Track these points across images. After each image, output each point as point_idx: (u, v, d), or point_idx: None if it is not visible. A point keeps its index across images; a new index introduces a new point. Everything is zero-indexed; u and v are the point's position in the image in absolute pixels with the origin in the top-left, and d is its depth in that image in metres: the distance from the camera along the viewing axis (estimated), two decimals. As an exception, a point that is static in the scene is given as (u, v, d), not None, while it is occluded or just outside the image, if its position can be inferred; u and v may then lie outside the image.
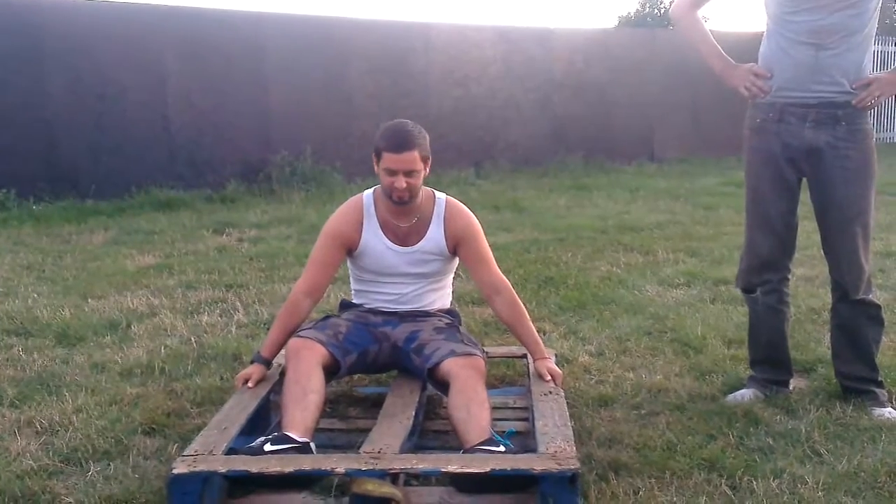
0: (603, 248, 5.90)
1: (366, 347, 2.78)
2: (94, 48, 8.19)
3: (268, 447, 2.24)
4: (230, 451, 2.26)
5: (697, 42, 3.02)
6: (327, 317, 2.91)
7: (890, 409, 2.92)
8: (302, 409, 2.41)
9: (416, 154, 2.67)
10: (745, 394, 3.06)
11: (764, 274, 3.02)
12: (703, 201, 8.15)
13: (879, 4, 2.79)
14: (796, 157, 2.87)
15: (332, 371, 2.66)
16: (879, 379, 3.01)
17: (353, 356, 2.72)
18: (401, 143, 2.67)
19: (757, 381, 3.10)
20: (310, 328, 2.76)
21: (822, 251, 3.03)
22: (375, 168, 2.77)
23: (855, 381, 3.00)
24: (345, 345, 2.72)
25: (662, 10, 23.77)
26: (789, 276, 3.10)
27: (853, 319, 2.98)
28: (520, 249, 5.86)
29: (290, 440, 2.28)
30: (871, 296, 2.96)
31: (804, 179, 2.94)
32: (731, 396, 3.06)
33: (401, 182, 2.68)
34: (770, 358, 3.12)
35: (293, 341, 2.67)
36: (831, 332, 3.10)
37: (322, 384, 2.53)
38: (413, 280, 2.89)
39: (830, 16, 2.72)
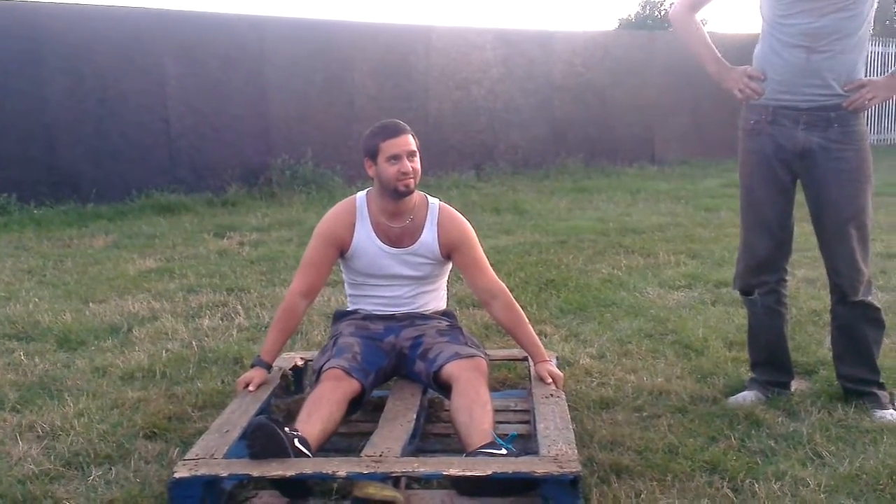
0: (604, 250, 5.90)
1: (380, 365, 2.77)
2: (94, 52, 8.21)
3: (297, 443, 2.22)
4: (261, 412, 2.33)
5: (694, 44, 3.02)
6: (335, 339, 2.84)
7: (892, 410, 2.92)
8: (322, 429, 2.39)
9: (411, 137, 2.78)
10: (747, 396, 3.05)
11: (761, 275, 3.02)
12: (704, 203, 8.14)
13: (874, 7, 2.78)
14: (789, 158, 2.87)
15: (356, 399, 2.61)
16: (881, 381, 3.01)
17: (371, 377, 2.70)
18: (396, 128, 2.78)
19: (758, 383, 3.10)
20: (334, 356, 2.69)
21: (816, 253, 3.02)
22: (371, 171, 2.78)
23: (856, 383, 3.00)
24: (364, 366, 2.69)
25: (662, 13, 23.81)
26: (787, 278, 3.09)
27: (852, 321, 2.98)
28: (520, 252, 5.86)
29: (311, 449, 2.26)
30: (870, 297, 2.96)
31: (798, 181, 2.94)
32: (732, 399, 3.05)
33: (406, 165, 2.73)
34: (770, 360, 3.11)
35: (334, 371, 2.60)
36: (831, 333, 3.10)
37: (343, 418, 2.52)
38: (406, 282, 2.89)
39: (822, 18, 2.72)
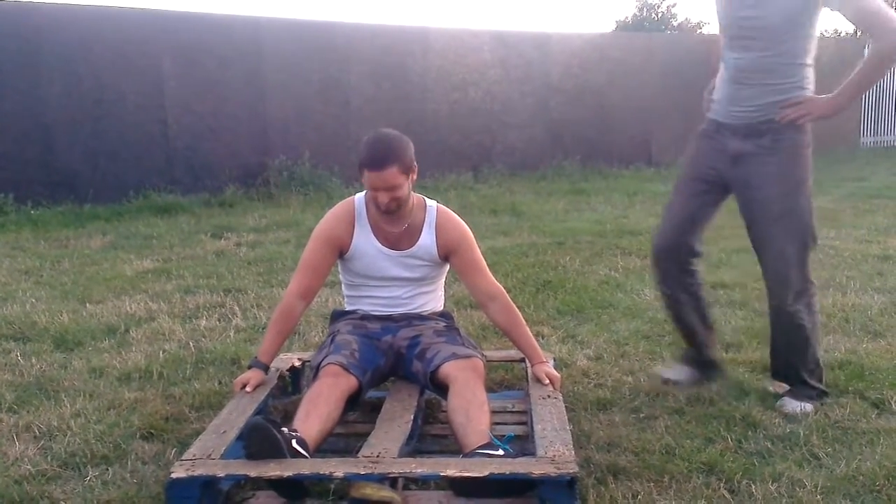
0: (601, 251, 5.90)
1: (377, 364, 2.77)
2: (91, 53, 8.20)
3: (294, 444, 2.22)
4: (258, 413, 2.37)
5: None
6: (333, 336, 2.86)
7: (803, 403, 2.96)
8: (320, 429, 2.39)
9: (395, 170, 2.63)
10: (683, 371, 3.24)
11: (666, 263, 3.13)
12: (700, 205, 8.14)
13: (807, 46, 2.85)
14: (723, 164, 2.99)
15: (353, 397, 2.61)
16: (806, 380, 3.03)
17: (368, 375, 2.70)
18: (379, 160, 2.63)
19: (688, 359, 3.29)
20: (331, 352, 2.70)
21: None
22: (362, 178, 2.76)
23: (783, 377, 3.10)
24: (361, 363, 2.69)
25: (659, 15, 23.83)
26: (695, 272, 3.16)
27: (776, 324, 3.04)
28: (518, 253, 5.87)
29: (308, 450, 2.26)
30: (799, 308, 2.95)
31: (732, 195, 3.04)
32: (665, 371, 3.26)
33: (383, 197, 2.68)
34: (689, 348, 3.27)
35: (332, 367, 2.60)
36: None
37: (340, 416, 2.52)
38: (403, 284, 2.89)
39: (747, 56, 2.87)
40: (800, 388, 3.04)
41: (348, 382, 2.58)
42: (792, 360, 3.04)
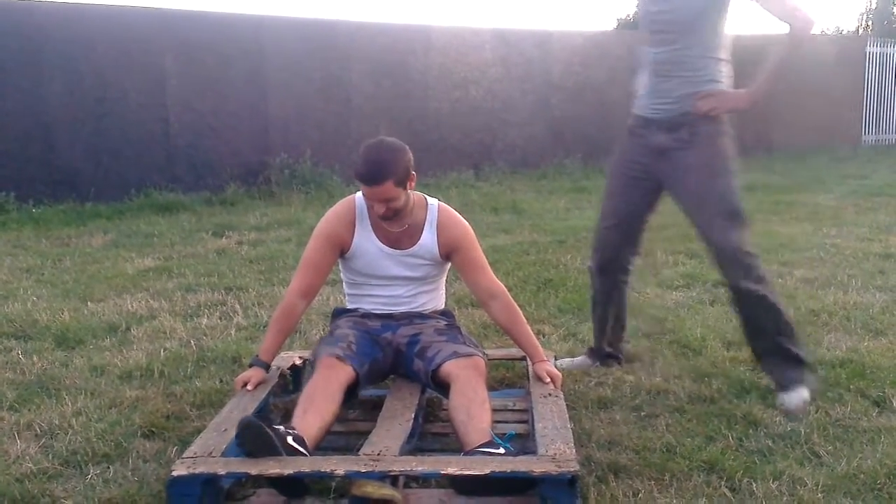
0: (602, 250, 5.89)
1: (374, 357, 2.77)
2: (93, 51, 8.20)
3: (290, 440, 2.22)
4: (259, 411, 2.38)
5: None
6: (333, 331, 2.88)
7: (792, 394, 2.97)
8: (319, 425, 2.39)
9: (389, 185, 2.62)
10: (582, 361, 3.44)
11: (603, 259, 3.32)
12: (702, 203, 8.13)
13: (718, 40, 2.97)
14: (650, 158, 3.10)
15: (350, 388, 2.62)
16: (785, 345, 3.05)
17: (366, 366, 2.71)
18: (372, 176, 2.61)
19: (592, 352, 3.48)
20: (328, 344, 2.72)
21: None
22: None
23: (762, 363, 3.14)
24: (359, 355, 2.70)
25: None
26: (630, 268, 3.36)
27: (739, 305, 3.09)
28: (519, 251, 5.87)
29: (306, 447, 2.26)
30: (751, 284, 3.00)
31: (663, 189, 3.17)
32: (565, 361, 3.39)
33: (379, 208, 2.69)
34: (600, 330, 3.43)
35: (327, 359, 2.61)
36: None
37: (339, 408, 2.53)
38: (404, 283, 2.89)
39: (662, 50, 3.01)
40: (783, 366, 3.04)
41: (345, 373, 2.58)
42: (766, 330, 3.06)
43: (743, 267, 2.99)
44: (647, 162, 3.12)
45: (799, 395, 2.96)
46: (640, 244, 3.35)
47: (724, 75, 3.00)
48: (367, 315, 2.91)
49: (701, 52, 2.96)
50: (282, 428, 2.25)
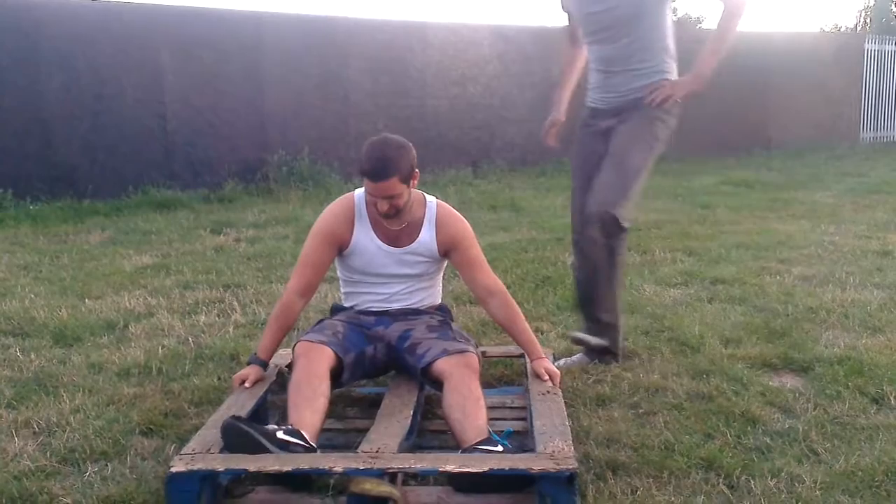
0: (600, 247, 5.88)
1: (362, 349, 2.78)
2: (90, 47, 8.18)
3: (280, 434, 2.23)
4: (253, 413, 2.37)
5: None
6: (322, 320, 2.90)
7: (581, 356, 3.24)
8: (312, 412, 2.41)
9: (394, 180, 2.63)
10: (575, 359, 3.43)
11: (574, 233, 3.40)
12: (700, 200, 8.14)
13: (663, 32, 3.13)
14: (600, 147, 3.26)
15: (336, 375, 2.64)
16: (601, 318, 3.27)
17: (351, 355, 2.72)
18: (378, 171, 2.62)
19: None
20: (311, 332, 2.75)
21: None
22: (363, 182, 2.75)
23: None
24: (345, 343, 2.72)
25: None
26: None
27: (581, 252, 3.25)
28: (517, 249, 5.86)
29: (303, 437, 2.27)
30: (602, 242, 3.15)
31: None
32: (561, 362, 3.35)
33: (383, 205, 2.69)
34: (584, 302, 3.45)
35: (302, 344, 2.65)
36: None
37: (329, 389, 2.54)
38: (402, 280, 2.89)
39: (608, 47, 3.15)
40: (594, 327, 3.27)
41: (322, 354, 2.60)
42: (591, 293, 3.26)
43: (607, 230, 3.13)
44: (599, 149, 3.25)
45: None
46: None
47: (671, 65, 3.14)
48: (364, 312, 2.91)
49: (647, 44, 3.08)
50: (272, 426, 2.26)
